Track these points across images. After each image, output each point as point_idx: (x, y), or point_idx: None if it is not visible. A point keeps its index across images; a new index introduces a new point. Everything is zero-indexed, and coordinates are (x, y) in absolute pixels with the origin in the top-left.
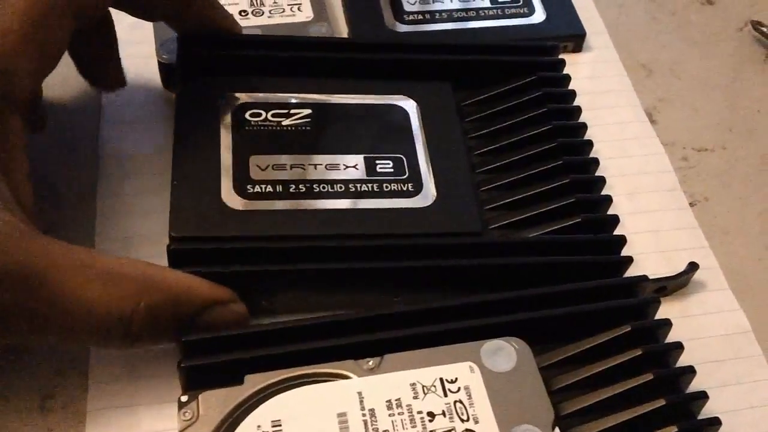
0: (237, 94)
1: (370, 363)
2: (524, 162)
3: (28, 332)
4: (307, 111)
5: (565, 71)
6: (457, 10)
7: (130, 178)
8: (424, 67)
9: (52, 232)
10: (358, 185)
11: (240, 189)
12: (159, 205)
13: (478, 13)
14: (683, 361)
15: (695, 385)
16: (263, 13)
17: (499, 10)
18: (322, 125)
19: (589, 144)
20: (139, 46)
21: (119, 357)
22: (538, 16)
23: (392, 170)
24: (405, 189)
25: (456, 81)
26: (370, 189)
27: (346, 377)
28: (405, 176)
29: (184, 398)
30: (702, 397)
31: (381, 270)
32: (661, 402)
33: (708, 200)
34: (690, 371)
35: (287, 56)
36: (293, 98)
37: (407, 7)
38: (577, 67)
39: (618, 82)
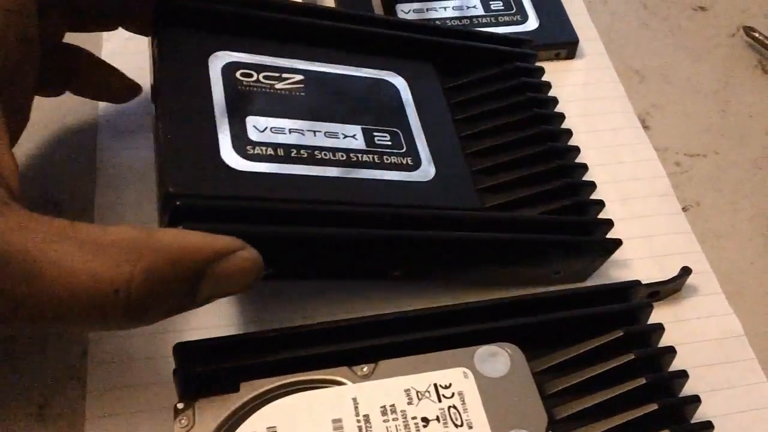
0: (224, 52)
1: (365, 369)
2: (508, 146)
3: (13, 318)
4: (300, 77)
5: (559, 78)
6: (452, 18)
7: (128, 187)
8: (409, 46)
9: None
10: (359, 155)
11: (239, 149)
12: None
13: (472, 21)
14: (676, 365)
15: (688, 389)
16: None
17: (492, 18)
18: (315, 92)
19: (568, 133)
20: (132, 57)
21: (116, 364)
22: (531, 23)
23: (390, 143)
24: (404, 163)
25: (437, 63)
26: (371, 160)
27: (340, 384)
28: (403, 150)
29: (180, 405)
30: (695, 401)
31: (383, 239)
32: (654, 406)
33: (700, 205)
34: (683, 375)
35: (274, 18)
36: (283, 62)
37: (401, 15)
38: (570, 74)
39: (611, 89)
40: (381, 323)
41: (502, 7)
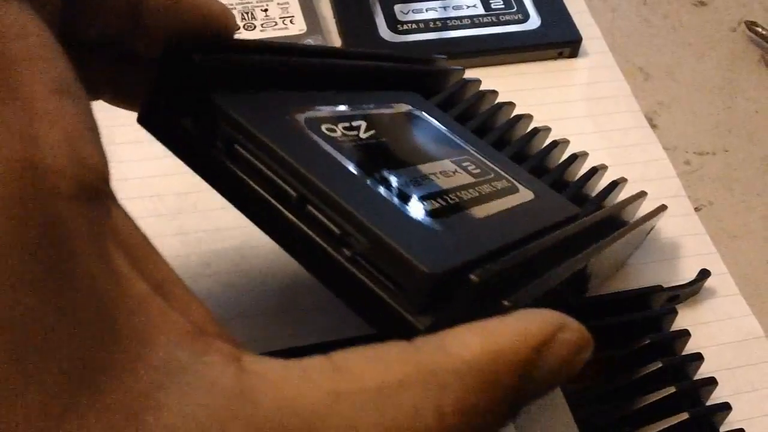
0: (294, 108)
1: None
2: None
3: None
4: (364, 123)
5: (562, 78)
6: (452, 18)
7: (127, 200)
8: (388, 77)
9: None
10: (479, 188)
11: (419, 209)
12: (157, 227)
13: (473, 21)
14: (700, 370)
15: (712, 395)
16: (255, 27)
17: (493, 18)
18: (389, 137)
19: (548, 129)
20: None
21: None
22: (533, 22)
23: (479, 171)
24: (503, 187)
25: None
26: (491, 191)
27: None
28: (492, 175)
29: None
30: (724, 408)
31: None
32: (685, 416)
33: (713, 204)
34: (711, 383)
35: (296, 65)
36: (339, 111)
37: (400, 17)
38: (574, 73)
39: (616, 87)
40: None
41: (503, 6)
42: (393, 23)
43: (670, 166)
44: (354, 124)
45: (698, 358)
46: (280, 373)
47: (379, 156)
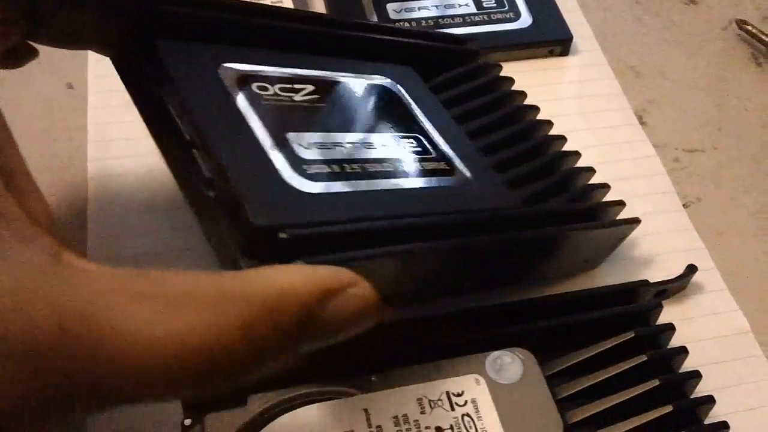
0: (230, 65)
1: (375, 379)
2: (504, 143)
3: (76, 404)
4: (311, 87)
5: (553, 76)
6: (443, 17)
7: (122, 198)
8: (390, 50)
9: None
10: (402, 164)
11: (298, 170)
12: (151, 224)
13: (464, 20)
14: (686, 364)
15: (698, 389)
16: None
17: (485, 16)
18: (332, 102)
19: (549, 123)
20: None
21: None
22: (525, 20)
23: (420, 149)
24: (441, 168)
25: (415, 66)
26: (413, 169)
27: (351, 394)
28: (433, 155)
29: (187, 422)
30: (709, 401)
31: (472, 246)
32: (669, 408)
33: (701, 201)
34: (696, 376)
35: (269, 26)
36: (287, 72)
37: (393, 15)
38: (565, 72)
39: (607, 86)
40: (389, 331)
41: (495, 5)
42: (385, 20)
43: (659, 163)
44: (297, 86)
45: (683, 351)
46: (92, 269)
47: (296, 118)
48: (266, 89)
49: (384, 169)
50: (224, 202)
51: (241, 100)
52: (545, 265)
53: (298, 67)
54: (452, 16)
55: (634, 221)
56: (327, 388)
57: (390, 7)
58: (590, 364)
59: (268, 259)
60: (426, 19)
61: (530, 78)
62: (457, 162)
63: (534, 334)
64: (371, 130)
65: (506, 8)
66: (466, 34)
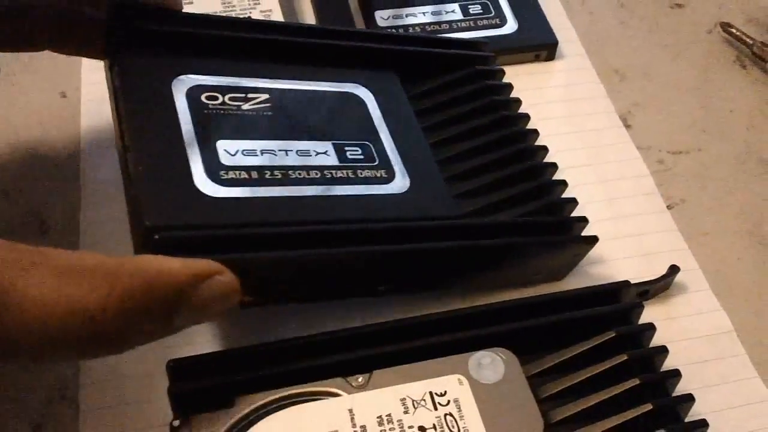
0: (186, 76)
1: (360, 379)
2: (476, 151)
3: (2, 354)
4: (265, 96)
5: (539, 80)
6: (430, 23)
7: (114, 202)
8: (371, 57)
9: None
10: (333, 172)
11: (213, 175)
12: None
13: (451, 26)
14: (668, 363)
15: (681, 387)
16: None
17: (471, 22)
18: (282, 111)
19: (536, 132)
20: None
21: (109, 383)
22: (510, 26)
23: (362, 157)
24: (379, 176)
25: (400, 72)
26: (345, 175)
27: (336, 395)
28: (376, 163)
29: (175, 423)
30: (688, 399)
31: (364, 256)
32: (649, 406)
33: (685, 202)
34: (676, 374)
35: (234, 37)
36: (247, 82)
37: (380, 22)
38: (551, 76)
39: (592, 89)
40: (374, 333)
41: (481, 11)
42: (373, 26)
43: (643, 165)
44: (251, 95)
45: (663, 350)
46: None
47: (234, 126)
48: (215, 99)
49: (309, 176)
50: (134, 201)
51: (183, 110)
52: (483, 275)
53: (261, 77)
54: (439, 23)
55: (592, 240)
56: (312, 389)
57: (378, 14)
58: (572, 363)
59: (164, 250)
60: (414, 25)
61: (517, 83)
62: (399, 171)
63: (516, 335)
64: (312, 137)
65: (492, 14)
66: (445, 37)
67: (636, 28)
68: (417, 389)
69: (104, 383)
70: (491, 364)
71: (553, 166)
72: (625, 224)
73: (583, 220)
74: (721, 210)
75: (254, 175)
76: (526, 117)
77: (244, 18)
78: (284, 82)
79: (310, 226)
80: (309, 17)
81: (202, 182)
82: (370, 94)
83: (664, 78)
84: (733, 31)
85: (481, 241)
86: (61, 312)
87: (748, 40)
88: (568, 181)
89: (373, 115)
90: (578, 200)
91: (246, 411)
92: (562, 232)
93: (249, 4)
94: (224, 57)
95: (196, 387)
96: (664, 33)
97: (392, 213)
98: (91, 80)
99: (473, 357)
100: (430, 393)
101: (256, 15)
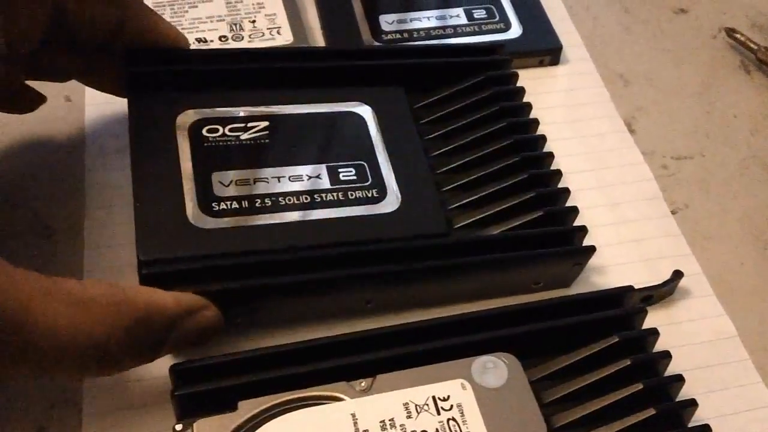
0: (192, 111)
1: (363, 384)
2: (481, 160)
3: (22, 370)
4: (264, 123)
5: (543, 85)
6: (435, 28)
7: (118, 208)
8: (375, 73)
9: (42, 265)
10: (323, 195)
11: (205, 207)
12: None
13: (456, 31)
14: (671, 368)
15: (684, 392)
16: (243, 37)
17: (476, 27)
18: (280, 136)
19: (543, 138)
20: None
21: (112, 388)
22: (515, 31)
23: (355, 177)
24: (370, 195)
25: (408, 84)
26: (335, 198)
27: (339, 399)
28: (368, 183)
29: (178, 427)
30: (692, 405)
31: (352, 277)
32: (652, 411)
33: (689, 207)
34: (679, 380)
35: (237, 69)
36: (248, 111)
37: (385, 27)
38: (555, 80)
39: (596, 94)
40: (377, 337)
41: (485, 16)
42: (378, 33)
43: (647, 170)
44: (251, 124)
45: (666, 355)
46: (20, 274)
47: (230, 157)
48: (216, 131)
49: (299, 201)
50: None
51: (184, 145)
52: (471, 288)
53: (263, 104)
54: (444, 27)
55: (590, 251)
56: (315, 393)
57: (383, 18)
58: (575, 368)
59: (153, 282)
60: (418, 30)
61: None
62: (392, 189)
63: (519, 339)
64: (307, 162)
65: (497, 19)
66: (459, 44)
67: (640, 33)
68: (420, 394)
69: (108, 387)
70: (494, 368)
71: (558, 174)
72: (628, 229)
73: (582, 230)
74: (725, 215)
75: (245, 204)
76: (536, 122)
77: (248, 48)
78: (286, 108)
79: (292, 252)
80: (313, 21)
81: (195, 215)
82: (371, 112)
83: (668, 83)
84: (738, 36)
85: (469, 258)
86: (70, 338)
87: (752, 45)
88: (571, 186)
89: (372, 134)
90: (582, 205)
91: (249, 415)
92: (561, 242)
93: (254, 8)
94: (227, 88)
95: (200, 391)
96: (668, 38)
97: (379, 233)
98: None
99: (476, 362)
100: (433, 397)
101: (260, 19)
